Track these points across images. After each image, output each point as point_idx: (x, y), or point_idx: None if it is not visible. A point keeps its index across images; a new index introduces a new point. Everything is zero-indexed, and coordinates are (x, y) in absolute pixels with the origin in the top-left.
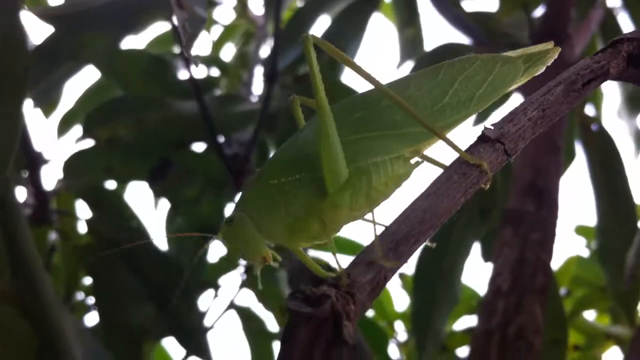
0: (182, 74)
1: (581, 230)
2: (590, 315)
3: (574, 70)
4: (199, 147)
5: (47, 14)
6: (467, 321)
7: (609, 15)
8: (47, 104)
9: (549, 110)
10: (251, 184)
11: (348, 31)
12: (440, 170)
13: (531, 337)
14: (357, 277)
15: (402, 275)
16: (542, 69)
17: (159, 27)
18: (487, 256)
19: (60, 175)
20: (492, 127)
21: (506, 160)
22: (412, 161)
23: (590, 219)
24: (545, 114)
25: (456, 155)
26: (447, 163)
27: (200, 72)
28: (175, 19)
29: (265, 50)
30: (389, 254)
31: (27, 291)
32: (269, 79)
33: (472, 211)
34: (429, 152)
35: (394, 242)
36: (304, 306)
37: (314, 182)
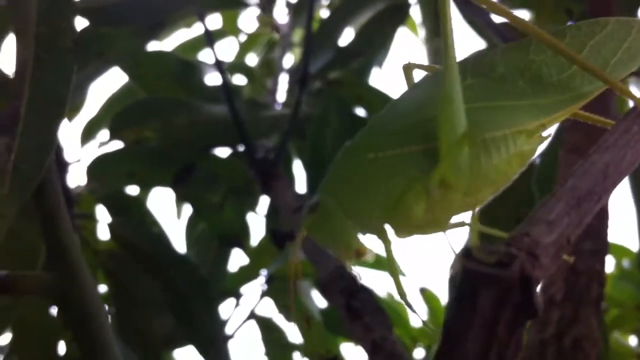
0: (208, 79)
1: (611, 249)
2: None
3: None
4: (222, 152)
5: (81, 7)
6: None
7: None
8: (71, 107)
9: None
10: (338, 160)
11: (376, 40)
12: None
13: (588, 348)
14: (539, 237)
15: (423, 290)
16: None
17: (186, 34)
18: None
19: (82, 179)
20: None
21: None
22: (537, 136)
23: (621, 238)
24: None
25: None
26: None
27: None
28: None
29: (289, 59)
30: (570, 211)
31: (64, 283)
32: (301, 82)
33: None
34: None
35: (575, 198)
36: (486, 267)
37: (424, 156)
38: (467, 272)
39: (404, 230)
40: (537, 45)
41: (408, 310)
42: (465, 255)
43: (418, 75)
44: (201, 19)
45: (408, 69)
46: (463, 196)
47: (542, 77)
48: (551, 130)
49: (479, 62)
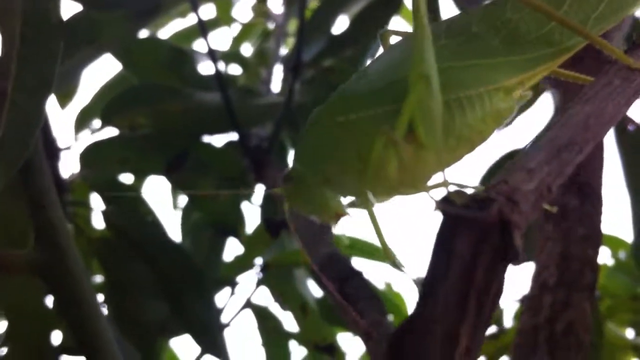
0: (202, 69)
1: (607, 240)
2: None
3: None
4: (216, 141)
5: None
6: None
7: None
8: (64, 93)
9: None
10: (309, 127)
11: (369, 29)
12: None
13: (581, 333)
14: (518, 184)
15: (418, 281)
16: None
17: (181, 23)
18: (529, 253)
19: (75, 166)
20: None
21: None
22: (516, 94)
23: (615, 229)
24: None
25: None
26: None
27: (219, 68)
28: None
29: (284, 49)
30: (550, 160)
31: (52, 260)
32: (294, 70)
33: None
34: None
35: (556, 147)
36: (464, 210)
37: (395, 116)
38: (445, 216)
39: (381, 192)
40: (513, 3)
41: (405, 302)
42: (444, 200)
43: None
44: (194, 7)
45: (385, 36)
46: (436, 156)
47: (519, 35)
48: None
49: (454, 24)
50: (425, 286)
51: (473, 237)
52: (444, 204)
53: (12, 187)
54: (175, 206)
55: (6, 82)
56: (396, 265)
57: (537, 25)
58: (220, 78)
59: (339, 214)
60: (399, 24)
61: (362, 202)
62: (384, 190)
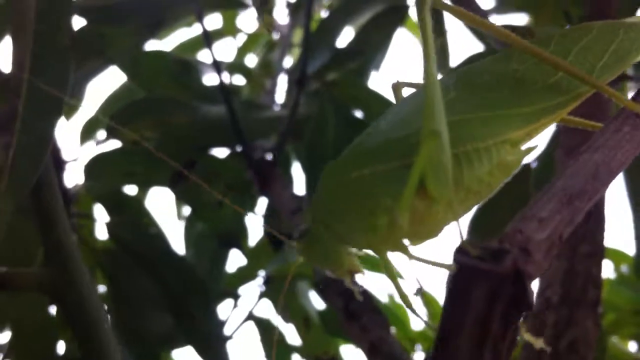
0: (207, 79)
1: (609, 254)
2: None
3: None
4: (220, 153)
5: (80, 6)
6: None
7: None
8: (69, 105)
9: None
10: (324, 181)
11: (374, 42)
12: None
13: (584, 351)
14: (531, 234)
15: (420, 292)
16: None
17: (186, 33)
18: None
19: (80, 178)
20: None
21: None
22: (523, 147)
23: (618, 243)
24: None
25: None
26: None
27: (224, 78)
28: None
29: (288, 60)
30: (562, 209)
31: (61, 279)
32: (299, 83)
33: None
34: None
35: (567, 196)
36: (479, 262)
37: (407, 171)
38: (461, 267)
39: (394, 245)
40: (519, 54)
41: (409, 313)
42: (459, 251)
43: (407, 92)
44: (199, 18)
45: (397, 87)
46: (447, 208)
47: (525, 86)
48: (544, 136)
49: (462, 76)
50: (441, 333)
51: (488, 287)
52: (459, 255)
53: (21, 206)
54: (179, 217)
55: (17, 100)
56: (412, 309)
57: (543, 76)
58: (225, 91)
59: (353, 270)
60: (403, 35)
61: (378, 254)
62: (397, 243)
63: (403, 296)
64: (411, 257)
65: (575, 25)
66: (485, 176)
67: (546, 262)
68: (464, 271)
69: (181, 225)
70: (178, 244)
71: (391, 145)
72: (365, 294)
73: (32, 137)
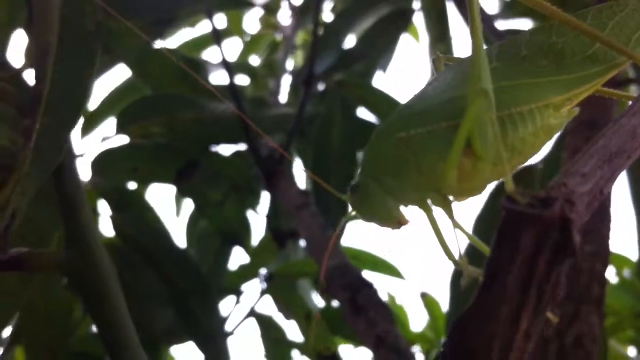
0: (212, 79)
1: (612, 258)
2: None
3: None
4: (225, 150)
5: None
6: None
7: None
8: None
9: None
10: (374, 141)
11: (380, 44)
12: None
13: (589, 346)
14: (574, 187)
15: (424, 296)
16: None
17: (189, 33)
18: None
19: (86, 174)
20: None
21: None
22: (565, 110)
23: (620, 248)
24: None
25: None
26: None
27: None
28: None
29: (291, 62)
30: (603, 166)
31: (82, 262)
32: (307, 83)
33: None
34: None
35: (608, 154)
36: (528, 208)
37: (452, 132)
38: (510, 213)
39: (440, 202)
40: (558, 28)
41: (408, 313)
42: (508, 199)
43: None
44: (209, 17)
45: (438, 60)
46: (493, 166)
47: (565, 57)
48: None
49: (504, 48)
50: (489, 274)
51: (536, 231)
52: (509, 203)
53: (39, 193)
54: (178, 214)
55: (42, 85)
56: (457, 263)
57: (582, 49)
58: (234, 88)
59: (401, 221)
60: (407, 41)
61: (424, 209)
62: (441, 200)
63: (448, 252)
64: (453, 215)
65: (613, 1)
66: (529, 137)
67: (588, 214)
68: (514, 217)
69: (179, 222)
70: (178, 242)
71: (438, 108)
72: (372, 288)
73: (56, 120)
